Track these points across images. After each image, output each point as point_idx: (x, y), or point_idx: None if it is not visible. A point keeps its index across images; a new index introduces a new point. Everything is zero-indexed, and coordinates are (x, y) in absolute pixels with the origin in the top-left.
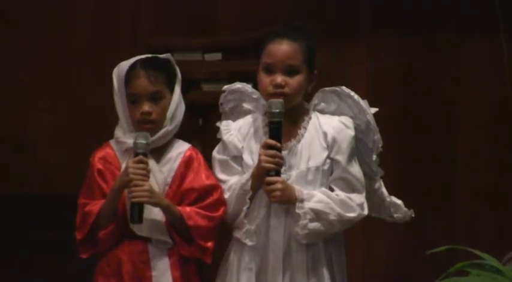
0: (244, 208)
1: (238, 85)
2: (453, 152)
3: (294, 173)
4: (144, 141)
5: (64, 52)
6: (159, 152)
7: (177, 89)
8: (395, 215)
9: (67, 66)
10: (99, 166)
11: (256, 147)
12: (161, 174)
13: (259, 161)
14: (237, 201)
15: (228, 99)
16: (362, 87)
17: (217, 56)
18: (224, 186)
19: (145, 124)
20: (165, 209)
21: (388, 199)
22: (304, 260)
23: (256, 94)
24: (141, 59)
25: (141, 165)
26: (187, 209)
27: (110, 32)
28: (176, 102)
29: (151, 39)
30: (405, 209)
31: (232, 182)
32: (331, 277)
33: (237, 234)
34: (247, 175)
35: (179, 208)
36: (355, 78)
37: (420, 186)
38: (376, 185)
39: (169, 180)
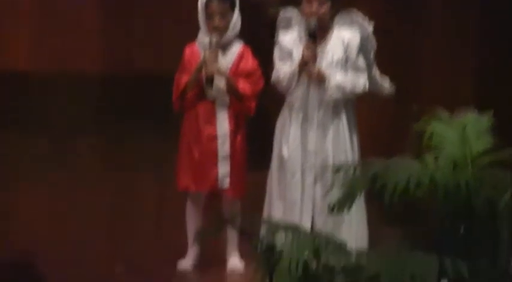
0: (293, 83)
1: (289, 8)
2: None
3: (323, 64)
4: (214, 39)
5: None
6: (225, 47)
7: (236, 11)
8: (384, 91)
9: None
10: (188, 56)
11: (300, 48)
12: (225, 61)
13: (303, 55)
14: (289, 79)
15: (283, 19)
16: None
17: None
18: (280, 70)
19: (216, 31)
20: (227, 80)
21: (379, 81)
22: (330, 112)
23: (300, 15)
24: None
25: (213, 53)
26: (241, 82)
27: None
28: (235, 18)
29: None
30: (390, 84)
31: (286, 68)
32: (348, 124)
33: (288, 98)
34: (295, 63)
35: (235, 81)
36: None
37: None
38: (373, 72)
39: (230, 65)
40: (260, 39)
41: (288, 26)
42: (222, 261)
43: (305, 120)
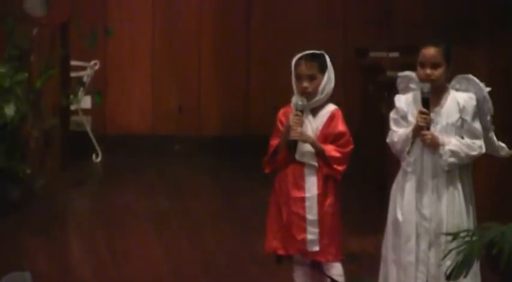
0: (407, 148)
1: (407, 73)
2: None
3: (438, 127)
4: (300, 103)
5: None
6: (316, 110)
7: (326, 74)
8: (501, 153)
9: None
10: (282, 118)
11: (415, 111)
12: (315, 123)
13: (416, 121)
14: (403, 144)
15: (401, 81)
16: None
17: (396, 54)
18: (394, 134)
19: (304, 94)
20: (311, 144)
21: (496, 143)
22: (444, 178)
23: (416, 79)
24: (305, 53)
25: (297, 117)
26: (328, 146)
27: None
28: (325, 81)
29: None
30: (507, 149)
31: (401, 131)
32: (462, 189)
33: (402, 164)
34: (410, 128)
35: (322, 145)
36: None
37: None
38: (490, 135)
39: (320, 127)
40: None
41: (404, 89)
42: None
43: (420, 185)
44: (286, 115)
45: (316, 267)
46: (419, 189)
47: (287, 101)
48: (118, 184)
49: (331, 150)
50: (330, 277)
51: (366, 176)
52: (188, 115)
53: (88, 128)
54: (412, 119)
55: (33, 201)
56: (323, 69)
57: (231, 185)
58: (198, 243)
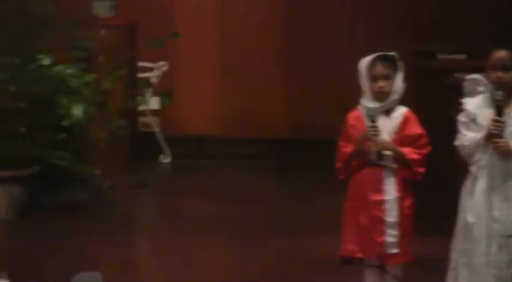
0: (476, 152)
1: (475, 75)
2: None
3: (509, 129)
4: (372, 106)
5: None
6: (389, 112)
7: (399, 74)
8: None
9: None
10: (351, 122)
11: (485, 114)
12: (389, 125)
13: (489, 128)
14: (473, 148)
15: (468, 84)
16: None
17: (462, 56)
18: (464, 137)
19: (380, 94)
20: (392, 150)
21: None
22: None
23: (485, 81)
24: (378, 54)
25: (374, 128)
26: (406, 149)
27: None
28: (399, 82)
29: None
30: None
31: (470, 135)
32: None
33: (471, 167)
34: (481, 134)
35: (400, 148)
36: None
37: None
38: None
39: (394, 129)
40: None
41: (472, 92)
42: None
43: (489, 188)
44: (355, 119)
45: (385, 269)
46: (489, 192)
47: (351, 105)
48: (183, 186)
49: (410, 153)
50: (398, 279)
51: (433, 178)
52: (253, 118)
53: (156, 129)
54: (482, 121)
55: (100, 202)
56: (396, 69)
57: (293, 189)
58: (259, 247)
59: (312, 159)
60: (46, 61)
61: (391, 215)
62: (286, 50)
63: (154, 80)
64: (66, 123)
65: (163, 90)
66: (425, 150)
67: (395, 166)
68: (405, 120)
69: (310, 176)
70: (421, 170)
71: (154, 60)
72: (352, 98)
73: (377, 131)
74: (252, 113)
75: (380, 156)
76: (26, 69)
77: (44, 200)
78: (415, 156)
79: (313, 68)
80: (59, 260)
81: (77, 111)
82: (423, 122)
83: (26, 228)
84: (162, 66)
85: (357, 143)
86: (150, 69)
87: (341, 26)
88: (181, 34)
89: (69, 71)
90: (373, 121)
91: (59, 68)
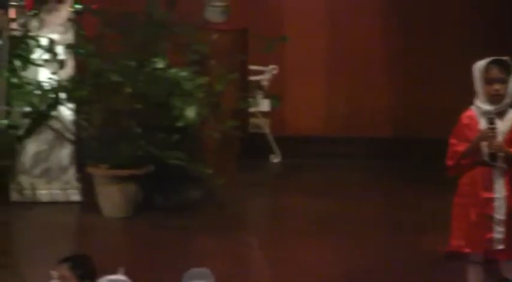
0: None
1: None
2: None
3: None
4: (488, 108)
5: None
6: (502, 114)
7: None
8: None
9: None
10: (465, 121)
11: None
12: (502, 127)
13: None
14: None
15: None
16: None
17: None
18: None
19: (495, 97)
20: (505, 152)
21: None
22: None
23: None
24: (494, 58)
25: (492, 131)
26: None
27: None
28: (511, 85)
29: None
30: None
31: None
32: None
33: None
34: None
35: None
36: None
37: None
38: None
39: (506, 131)
40: None
41: None
42: None
43: None
44: (470, 118)
45: (493, 264)
46: None
47: (459, 105)
48: (292, 185)
49: None
50: (504, 275)
51: None
52: (359, 117)
53: (266, 130)
54: None
55: (212, 201)
56: (509, 73)
57: (397, 188)
58: (363, 247)
59: (416, 159)
60: (161, 64)
61: (500, 213)
62: (394, 50)
63: (265, 83)
64: (180, 124)
65: (273, 93)
66: None
67: (506, 167)
68: None
69: (415, 176)
70: None
71: (265, 63)
72: (458, 99)
73: (495, 133)
74: (358, 112)
75: (493, 156)
76: (142, 72)
77: (158, 199)
78: None
79: (420, 69)
80: (172, 256)
81: (190, 112)
82: None
83: (141, 225)
84: (272, 69)
85: (473, 143)
86: (261, 72)
87: (450, 28)
88: (289, 37)
89: (183, 73)
90: (491, 123)
91: (172, 70)
